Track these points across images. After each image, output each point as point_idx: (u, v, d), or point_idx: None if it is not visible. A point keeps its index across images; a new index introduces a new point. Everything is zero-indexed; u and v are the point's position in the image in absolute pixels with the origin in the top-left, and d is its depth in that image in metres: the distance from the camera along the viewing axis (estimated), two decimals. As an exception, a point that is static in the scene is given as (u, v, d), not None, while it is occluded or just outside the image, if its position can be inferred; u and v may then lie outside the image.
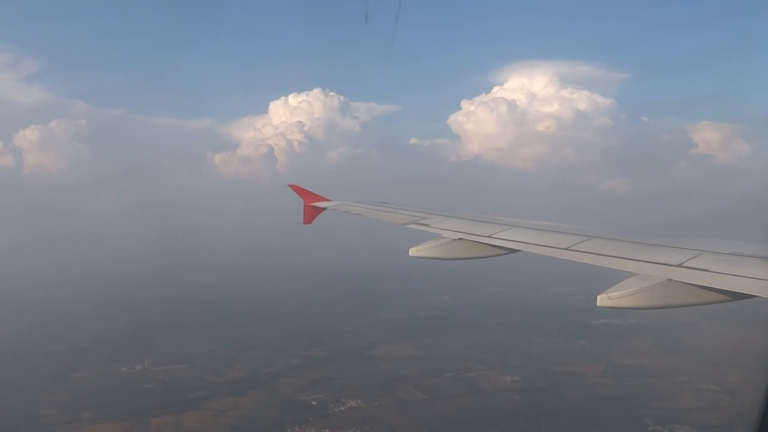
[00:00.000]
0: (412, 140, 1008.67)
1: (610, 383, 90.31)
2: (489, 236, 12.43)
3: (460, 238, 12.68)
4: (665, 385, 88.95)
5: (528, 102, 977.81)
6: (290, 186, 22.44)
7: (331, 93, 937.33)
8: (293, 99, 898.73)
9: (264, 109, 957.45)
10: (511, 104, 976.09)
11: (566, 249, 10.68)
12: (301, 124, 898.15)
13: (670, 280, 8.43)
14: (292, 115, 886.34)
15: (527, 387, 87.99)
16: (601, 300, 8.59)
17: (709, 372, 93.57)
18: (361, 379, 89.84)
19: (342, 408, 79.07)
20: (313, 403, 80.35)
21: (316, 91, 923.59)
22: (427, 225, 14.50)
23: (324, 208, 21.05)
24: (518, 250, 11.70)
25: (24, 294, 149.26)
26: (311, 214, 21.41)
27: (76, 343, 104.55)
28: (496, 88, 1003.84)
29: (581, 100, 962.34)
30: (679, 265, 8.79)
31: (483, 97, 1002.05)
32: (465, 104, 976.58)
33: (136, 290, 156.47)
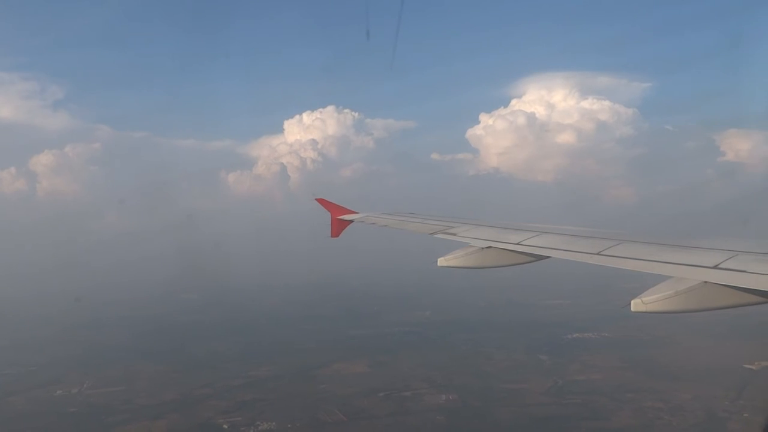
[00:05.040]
0: (434, 155, 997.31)
1: (549, 401, 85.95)
2: (518, 243, 12.14)
3: (489, 247, 12.35)
4: (607, 403, 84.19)
5: (547, 114, 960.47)
6: (317, 200, 22.07)
7: (345, 110, 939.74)
8: (307, 117, 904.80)
9: (280, 129, 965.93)
10: (530, 117, 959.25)
11: (597, 254, 10.38)
12: (314, 141, 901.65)
13: (705, 282, 8.17)
14: (306, 133, 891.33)
15: (459, 407, 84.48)
16: (635, 305, 8.30)
17: (662, 388, 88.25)
18: (292, 400, 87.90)
19: (253, 431, 77.33)
20: (225, 426, 78.75)
21: (330, 109, 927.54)
22: (454, 234, 14.23)
23: (351, 221, 20.81)
24: (548, 257, 11.45)
25: (15, 309, 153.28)
26: (338, 227, 21.20)
27: (29, 365, 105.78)
28: (514, 101, 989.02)
29: (602, 110, 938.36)
30: (715, 267, 8.50)
31: (501, 111, 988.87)
32: (483, 118, 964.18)
33: (126, 310, 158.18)
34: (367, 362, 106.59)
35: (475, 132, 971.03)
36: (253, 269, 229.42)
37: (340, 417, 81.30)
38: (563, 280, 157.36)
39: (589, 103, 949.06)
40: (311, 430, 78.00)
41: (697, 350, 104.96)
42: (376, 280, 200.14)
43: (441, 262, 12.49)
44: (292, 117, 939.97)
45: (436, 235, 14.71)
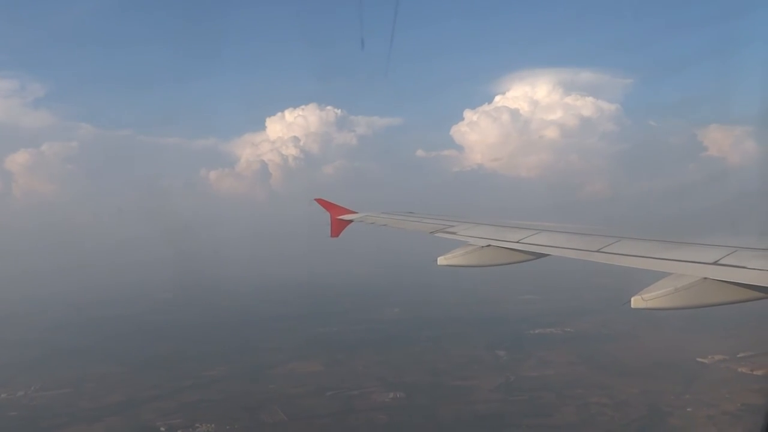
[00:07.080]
0: (419, 152, 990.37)
1: (496, 398, 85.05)
2: (517, 242, 12.34)
3: (489, 245, 12.51)
4: (553, 399, 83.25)
5: (531, 110, 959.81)
6: (316, 200, 22.19)
7: (327, 107, 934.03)
8: (289, 114, 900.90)
9: (263, 126, 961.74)
10: (514, 113, 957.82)
11: (597, 251, 10.52)
12: (296, 138, 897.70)
13: (705, 278, 8.21)
14: (288, 130, 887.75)
15: (404, 405, 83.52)
16: (635, 302, 8.35)
17: (612, 383, 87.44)
18: (237, 400, 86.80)
19: (189, 433, 76.43)
20: (163, 429, 77.63)
21: (312, 106, 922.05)
22: (454, 233, 14.39)
23: (351, 221, 20.95)
24: (548, 255, 11.58)
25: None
26: (338, 227, 21.29)
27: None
28: (498, 97, 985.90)
29: (586, 106, 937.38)
30: (715, 263, 8.55)
31: (485, 107, 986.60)
32: (468, 114, 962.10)
33: (95, 310, 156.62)
34: (323, 361, 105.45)
35: (459, 128, 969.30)
36: (230, 268, 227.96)
37: (281, 417, 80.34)
38: (544, 276, 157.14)
39: (573, 99, 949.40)
40: (249, 430, 77.03)
41: (656, 344, 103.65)
42: (360, 279, 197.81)
43: (441, 261, 12.58)
44: (274, 114, 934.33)
45: (435, 234, 14.88)
